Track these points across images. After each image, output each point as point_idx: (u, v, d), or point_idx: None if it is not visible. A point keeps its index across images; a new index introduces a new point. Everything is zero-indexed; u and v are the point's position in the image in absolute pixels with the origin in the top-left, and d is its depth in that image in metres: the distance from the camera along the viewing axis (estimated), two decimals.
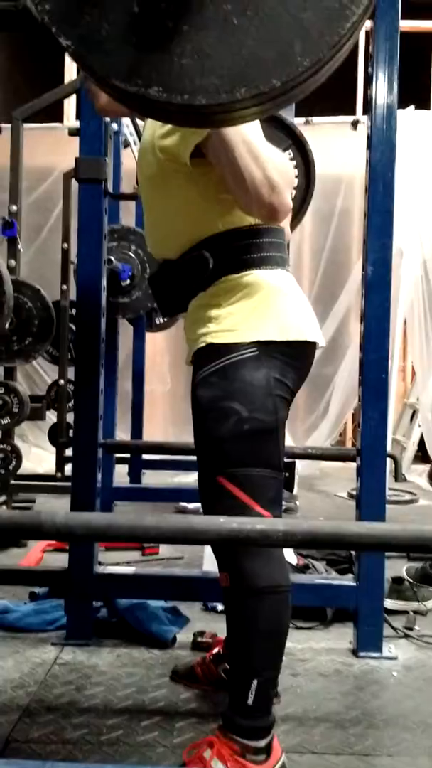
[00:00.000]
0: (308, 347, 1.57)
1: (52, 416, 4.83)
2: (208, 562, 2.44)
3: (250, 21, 0.93)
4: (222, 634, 2.00)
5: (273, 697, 1.52)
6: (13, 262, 3.77)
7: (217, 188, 1.48)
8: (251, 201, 1.42)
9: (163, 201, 1.57)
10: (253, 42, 0.93)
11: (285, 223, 1.61)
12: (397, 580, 2.57)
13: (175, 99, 0.95)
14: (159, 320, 4.73)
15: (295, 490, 4.45)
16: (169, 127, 1.46)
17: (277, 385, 1.49)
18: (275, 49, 0.93)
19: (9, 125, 3.91)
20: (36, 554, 3.10)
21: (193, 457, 1.97)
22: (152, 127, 1.54)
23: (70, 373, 4.28)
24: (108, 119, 2.23)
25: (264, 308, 1.51)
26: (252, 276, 1.51)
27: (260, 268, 1.52)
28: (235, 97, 0.94)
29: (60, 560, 2.59)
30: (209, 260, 1.52)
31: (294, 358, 1.53)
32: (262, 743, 1.48)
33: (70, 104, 5.97)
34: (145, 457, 4.67)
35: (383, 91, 2.10)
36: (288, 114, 3.54)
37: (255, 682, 1.45)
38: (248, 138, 1.37)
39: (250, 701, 1.45)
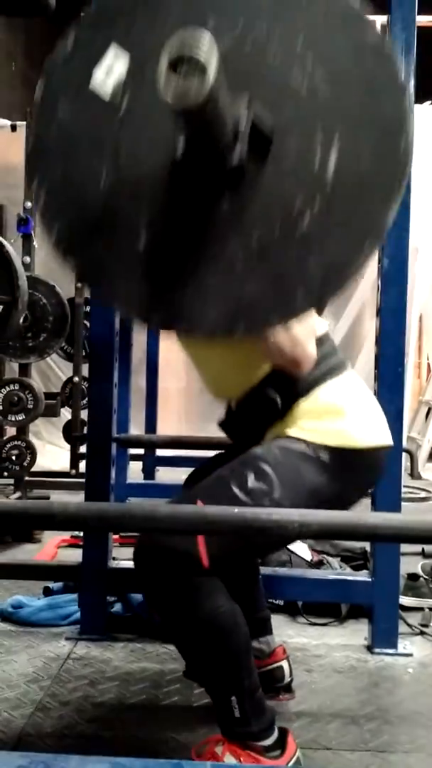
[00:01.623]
0: (377, 452, 1.55)
1: (66, 413, 4.84)
2: None
3: (255, 267, 0.95)
4: None
5: (261, 699, 1.46)
6: (28, 258, 3.78)
7: None
8: (273, 354, 1.43)
9: (220, 351, 1.56)
10: (256, 286, 0.95)
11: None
12: (413, 577, 2.55)
13: (177, 326, 0.99)
14: None
15: None
16: None
17: (328, 494, 1.47)
18: (276, 295, 0.95)
19: (24, 122, 3.92)
20: (50, 550, 3.10)
21: (207, 453, 1.96)
22: None
23: (85, 370, 4.29)
24: None
25: (339, 421, 1.49)
26: (321, 393, 1.50)
27: (326, 381, 1.51)
28: (233, 333, 0.97)
29: (74, 556, 2.59)
30: (276, 397, 1.50)
31: (363, 465, 1.53)
32: (269, 741, 1.45)
33: None
34: (159, 453, 4.67)
35: None
36: None
37: (233, 697, 1.41)
38: None
39: (237, 714, 1.41)
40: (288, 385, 1.49)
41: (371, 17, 0.97)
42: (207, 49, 0.77)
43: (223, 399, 1.64)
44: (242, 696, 1.41)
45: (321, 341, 1.53)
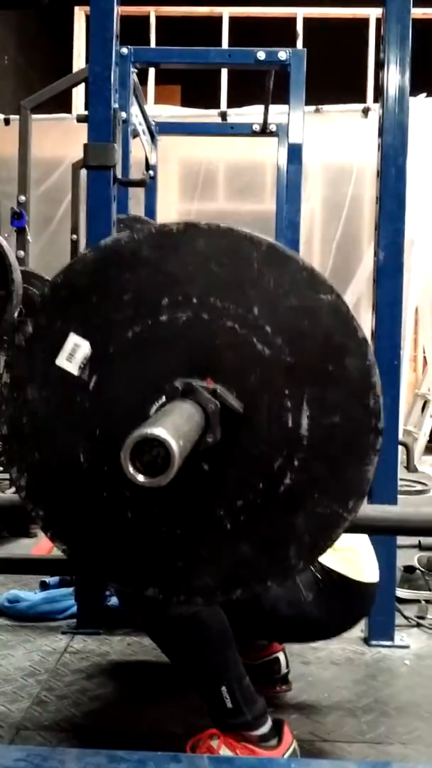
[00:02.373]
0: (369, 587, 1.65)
1: None
2: None
3: (244, 527, 0.96)
4: None
5: (249, 686, 1.47)
6: (22, 252, 3.76)
7: None
8: None
9: None
10: (247, 548, 0.96)
11: None
12: (409, 569, 2.55)
13: (173, 599, 1.00)
14: None
15: None
16: None
17: (310, 619, 1.54)
18: (269, 553, 0.96)
19: (17, 117, 3.90)
20: (47, 544, 3.09)
21: None
22: None
23: None
24: (116, 105, 2.21)
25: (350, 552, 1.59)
26: None
27: None
28: (230, 598, 0.98)
29: None
30: None
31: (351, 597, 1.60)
32: (264, 729, 1.45)
33: (78, 94, 5.95)
34: None
35: (395, 74, 2.08)
36: (298, 102, 3.52)
37: (223, 688, 1.42)
38: None
39: (229, 704, 1.42)
40: None
41: (322, 277, 0.97)
42: (170, 446, 0.78)
43: None
44: (231, 684, 1.42)
45: None
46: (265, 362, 0.94)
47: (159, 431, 0.76)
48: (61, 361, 0.97)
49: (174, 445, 0.76)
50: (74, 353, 0.97)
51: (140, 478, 0.79)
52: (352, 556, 1.56)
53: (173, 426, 0.79)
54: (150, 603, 1.41)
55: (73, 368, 0.97)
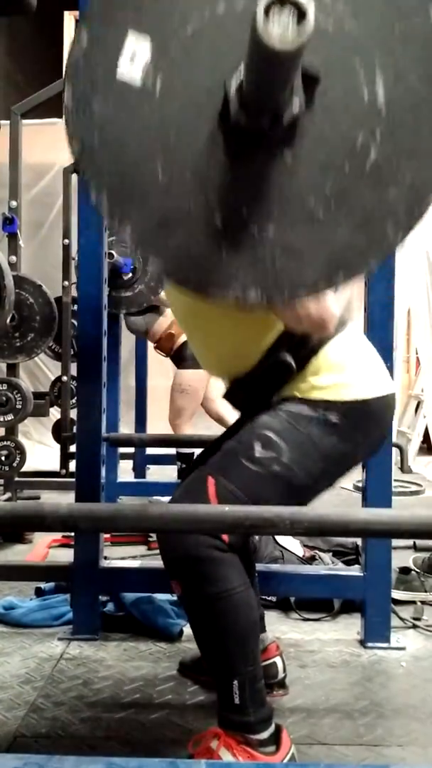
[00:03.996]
0: (382, 401, 1.56)
1: (55, 413, 4.82)
2: None
3: (337, 212, 0.93)
4: None
5: (261, 690, 1.48)
6: (14, 258, 3.76)
7: None
8: (300, 319, 1.40)
9: (220, 322, 1.55)
10: (344, 231, 0.93)
11: None
12: (404, 571, 2.56)
13: (278, 298, 0.97)
14: None
15: None
16: None
17: (337, 454, 1.49)
18: (368, 234, 0.93)
19: (8, 122, 3.90)
20: (41, 550, 3.09)
21: (198, 450, 1.95)
22: None
23: (73, 369, 4.26)
24: None
25: (341, 376, 1.52)
26: (329, 351, 1.52)
27: (333, 338, 1.52)
28: (334, 285, 0.95)
29: (65, 556, 2.58)
30: (291, 362, 1.50)
31: (370, 418, 1.54)
32: (264, 735, 1.46)
33: None
34: (149, 451, 4.66)
35: None
36: None
37: (235, 682, 1.43)
38: None
39: (236, 701, 1.43)
40: (298, 348, 1.51)
41: None
42: None
43: (231, 376, 1.64)
44: (243, 682, 1.43)
45: None
46: (331, 30, 0.90)
47: None
48: (123, 64, 0.92)
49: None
50: (135, 53, 0.92)
51: (277, 24, 0.74)
52: (342, 378, 1.51)
53: None
54: (196, 574, 1.42)
55: (136, 73, 0.92)
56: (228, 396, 1.66)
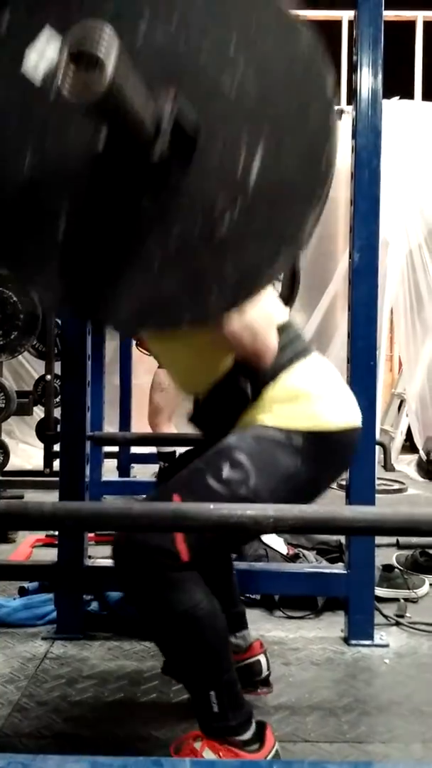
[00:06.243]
0: (348, 433, 1.55)
1: (39, 412, 4.80)
2: None
3: (172, 265, 0.95)
4: None
5: (239, 693, 1.46)
6: None
7: None
8: (236, 346, 1.43)
9: (183, 345, 1.56)
10: (170, 284, 0.95)
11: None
12: (388, 568, 2.57)
13: (89, 317, 1.08)
14: None
15: None
16: None
17: (303, 479, 1.48)
18: (190, 295, 0.95)
19: None
20: (25, 549, 3.07)
21: (182, 448, 1.95)
22: None
23: (57, 368, 4.26)
24: None
25: (307, 404, 1.51)
26: (288, 379, 1.50)
27: (292, 366, 1.51)
28: (142, 328, 0.98)
29: (49, 555, 2.57)
30: (246, 386, 1.50)
31: (335, 447, 1.53)
32: (247, 735, 1.45)
33: None
34: (134, 450, 4.65)
35: (368, 76, 2.09)
36: None
37: (212, 693, 1.41)
38: None
39: (215, 709, 1.42)
40: (254, 373, 1.50)
41: (308, 27, 0.95)
42: (107, 44, 0.75)
43: (191, 393, 1.64)
44: (221, 691, 1.42)
45: (283, 328, 1.53)
46: (231, 96, 0.92)
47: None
48: (31, 57, 0.92)
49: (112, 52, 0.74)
50: (44, 51, 0.92)
51: (70, 73, 0.75)
52: (307, 407, 1.50)
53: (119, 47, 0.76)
54: (155, 597, 1.39)
55: (40, 70, 0.92)
56: (192, 418, 1.65)
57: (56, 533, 2.67)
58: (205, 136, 0.92)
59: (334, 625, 2.30)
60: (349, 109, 2.42)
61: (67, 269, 0.97)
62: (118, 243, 0.95)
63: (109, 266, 0.96)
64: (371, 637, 2.17)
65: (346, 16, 5.81)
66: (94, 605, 2.30)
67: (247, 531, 1.37)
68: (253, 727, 1.46)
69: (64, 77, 0.77)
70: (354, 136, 2.12)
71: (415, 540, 2.88)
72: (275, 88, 0.93)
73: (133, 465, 4.73)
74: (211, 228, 0.92)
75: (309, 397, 1.51)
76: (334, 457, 1.56)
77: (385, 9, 2.10)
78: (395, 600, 2.44)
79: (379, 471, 4.90)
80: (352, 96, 2.13)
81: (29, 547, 3.11)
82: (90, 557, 2.29)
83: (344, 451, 1.58)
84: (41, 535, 3.21)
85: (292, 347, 1.53)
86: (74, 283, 0.97)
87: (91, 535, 2.91)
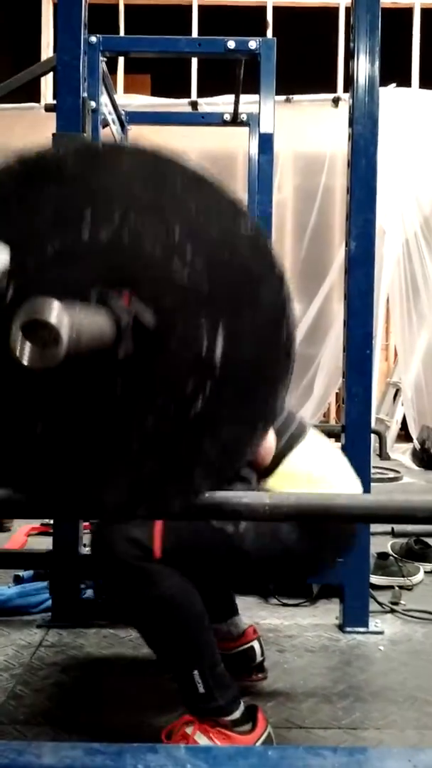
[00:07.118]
0: None
1: None
2: None
3: (151, 450, 0.95)
4: None
5: (223, 673, 1.48)
6: None
7: None
8: None
9: None
10: (152, 469, 0.95)
11: None
12: (383, 556, 2.58)
13: (81, 515, 0.97)
14: None
15: None
16: None
17: (299, 552, 1.52)
18: (174, 477, 0.95)
19: None
20: (20, 538, 3.08)
21: None
22: None
23: None
24: (85, 94, 2.18)
25: (307, 485, 1.55)
26: (288, 463, 1.55)
27: (291, 450, 1.56)
28: (133, 516, 1.03)
29: (44, 543, 2.57)
30: (251, 476, 1.54)
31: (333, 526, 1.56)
32: (236, 714, 1.47)
33: (47, 84, 5.88)
34: None
35: (365, 63, 2.08)
36: (268, 92, 3.51)
37: (195, 672, 1.43)
38: None
39: (201, 690, 1.44)
40: (257, 468, 1.54)
41: (245, 209, 0.97)
42: (57, 317, 0.75)
43: None
44: (204, 670, 1.44)
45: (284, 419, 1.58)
46: (183, 286, 0.92)
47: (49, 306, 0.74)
48: None
49: (64, 321, 0.74)
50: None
51: (27, 347, 0.76)
52: (308, 488, 1.54)
53: (68, 310, 0.76)
54: (131, 585, 1.42)
55: None
56: None
57: (51, 522, 2.67)
58: (164, 326, 0.92)
59: (329, 612, 2.31)
60: (345, 97, 2.40)
61: (48, 467, 0.97)
62: (94, 434, 0.95)
63: (90, 459, 0.96)
64: (366, 625, 2.18)
65: (343, 3, 5.78)
66: (89, 593, 2.31)
67: (242, 519, 1.38)
68: (242, 706, 1.48)
69: (20, 350, 0.77)
70: (351, 123, 2.11)
71: (410, 528, 2.89)
72: (224, 271, 0.93)
73: None
74: (185, 410, 0.93)
75: (309, 478, 1.56)
76: (331, 536, 1.59)
77: None
78: (390, 587, 2.46)
79: (374, 459, 4.91)
80: (349, 83, 2.12)
81: (24, 535, 3.11)
82: (85, 545, 2.29)
83: (343, 531, 1.61)
84: (36, 523, 3.21)
85: (288, 433, 1.57)
86: (57, 481, 0.97)
87: (86, 523, 2.91)
